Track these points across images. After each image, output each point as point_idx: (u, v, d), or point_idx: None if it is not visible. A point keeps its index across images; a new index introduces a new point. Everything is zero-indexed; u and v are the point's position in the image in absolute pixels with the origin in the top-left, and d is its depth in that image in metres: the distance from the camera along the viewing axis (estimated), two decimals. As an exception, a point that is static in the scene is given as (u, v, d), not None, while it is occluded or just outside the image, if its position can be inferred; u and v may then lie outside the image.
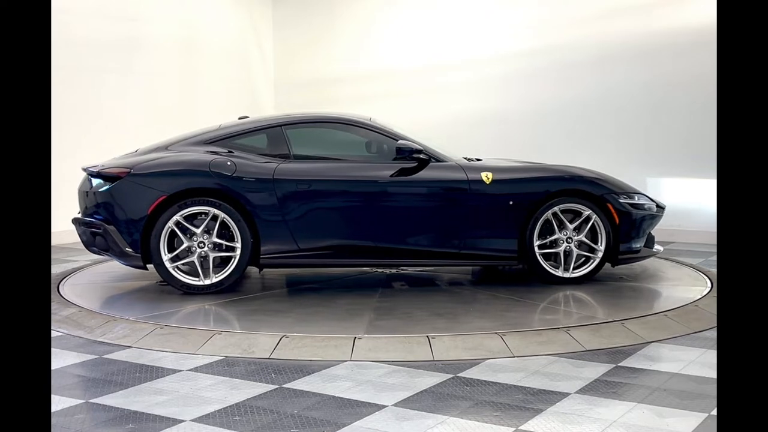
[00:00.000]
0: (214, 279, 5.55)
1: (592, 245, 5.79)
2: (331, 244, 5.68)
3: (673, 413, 3.32)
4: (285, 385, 3.74)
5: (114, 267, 6.92)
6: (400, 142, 5.77)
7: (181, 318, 4.96)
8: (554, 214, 5.76)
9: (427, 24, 10.31)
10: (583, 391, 3.63)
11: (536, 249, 5.74)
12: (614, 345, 4.38)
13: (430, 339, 4.35)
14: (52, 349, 4.33)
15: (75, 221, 5.88)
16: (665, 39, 8.74)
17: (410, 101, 10.31)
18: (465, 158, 6.35)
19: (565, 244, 5.78)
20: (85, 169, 5.89)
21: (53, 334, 4.71)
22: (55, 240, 8.30)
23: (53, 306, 5.25)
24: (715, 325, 4.25)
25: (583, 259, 5.84)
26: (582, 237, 5.77)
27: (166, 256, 5.51)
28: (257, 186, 5.58)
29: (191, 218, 5.58)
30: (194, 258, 5.54)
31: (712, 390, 3.58)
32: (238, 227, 5.55)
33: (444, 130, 9.49)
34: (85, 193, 5.79)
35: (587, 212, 5.75)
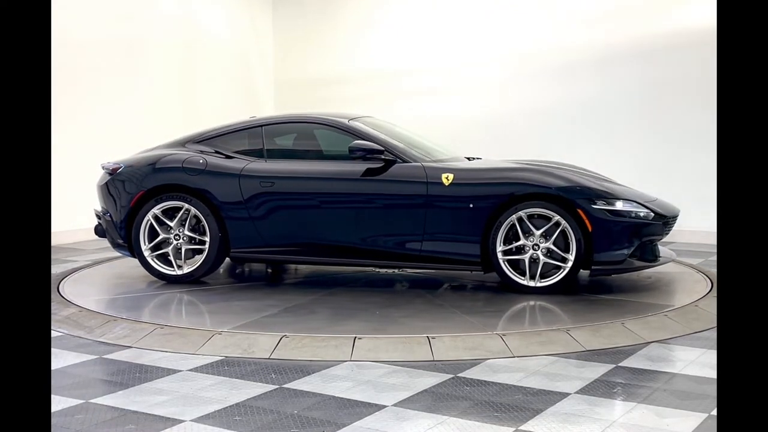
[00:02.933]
0: (186, 270, 5.96)
1: (560, 253, 5.38)
2: (294, 241, 5.82)
3: (673, 413, 3.32)
4: (285, 385, 3.74)
5: (113, 267, 6.94)
6: (354, 142, 5.72)
7: (180, 317, 4.99)
8: (520, 219, 5.42)
9: (427, 24, 10.30)
10: (583, 391, 3.63)
11: (499, 255, 5.47)
12: (614, 345, 4.38)
13: (430, 339, 4.35)
14: (52, 349, 4.34)
15: (95, 212, 6.49)
16: (666, 39, 8.73)
17: (411, 101, 10.30)
18: (467, 158, 6.39)
19: (531, 251, 5.42)
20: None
21: (53, 334, 4.71)
22: (55, 240, 8.31)
23: (53, 306, 5.24)
24: (715, 325, 4.24)
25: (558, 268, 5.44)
26: (549, 244, 5.38)
27: (145, 246, 5.98)
28: (224, 183, 5.87)
29: (173, 212, 5.97)
30: (169, 249, 5.96)
31: (712, 390, 3.58)
32: (207, 222, 5.89)
33: (446, 130, 9.48)
34: (98, 187, 6.36)
35: (556, 217, 5.36)
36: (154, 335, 4.56)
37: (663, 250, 5.95)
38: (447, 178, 5.55)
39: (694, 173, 8.58)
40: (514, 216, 5.42)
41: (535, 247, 5.42)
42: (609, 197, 5.42)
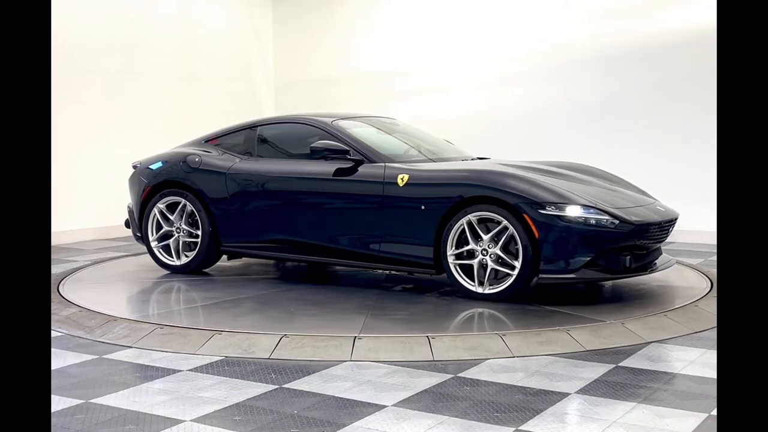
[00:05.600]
0: (183, 260, 6.36)
1: (507, 260, 5.13)
2: (272, 238, 6.01)
3: (673, 413, 3.32)
4: (285, 385, 3.74)
5: (113, 267, 6.94)
6: (316, 142, 5.79)
7: (181, 317, 4.99)
8: (470, 223, 5.20)
9: (427, 24, 10.30)
10: (583, 391, 3.63)
11: (449, 259, 5.28)
12: (614, 345, 4.38)
13: (430, 339, 4.35)
14: (52, 349, 4.33)
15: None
16: (667, 39, 8.73)
17: (411, 101, 10.29)
18: (478, 158, 6.42)
19: (480, 256, 5.20)
20: None
21: (53, 334, 4.71)
22: (55, 240, 8.31)
23: (53, 306, 5.24)
24: (715, 325, 4.25)
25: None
26: (497, 250, 5.15)
27: (152, 237, 6.44)
28: (213, 180, 6.19)
29: (176, 206, 6.34)
30: (170, 241, 6.37)
31: (712, 390, 3.58)
32: (199, 217, 6.24)
33: (446, 130, 9.45)
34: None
35: (504, 222, 5.11)
36: (154, 335, 4.56)
37: (663, 257, 5.68)
38: (402, 179, 5.47)
39: (694, 173, 8.57)
40: (464, 219, 5.23)
41: (484, 252, 5.20)
42: (559, 202, 5.03)
